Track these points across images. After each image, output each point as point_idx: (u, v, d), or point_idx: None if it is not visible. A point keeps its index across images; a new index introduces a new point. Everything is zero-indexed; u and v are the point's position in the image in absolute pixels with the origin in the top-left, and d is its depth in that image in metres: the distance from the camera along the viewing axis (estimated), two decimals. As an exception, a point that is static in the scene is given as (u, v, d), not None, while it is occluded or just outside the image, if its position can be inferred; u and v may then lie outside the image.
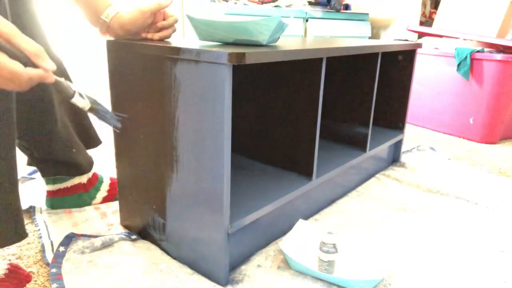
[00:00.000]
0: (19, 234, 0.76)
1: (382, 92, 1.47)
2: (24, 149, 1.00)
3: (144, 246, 0.90)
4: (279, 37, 0.86)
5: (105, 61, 0.90)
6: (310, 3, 2.38)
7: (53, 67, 0.62)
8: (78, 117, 1.04)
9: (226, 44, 0.81)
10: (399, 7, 2.59)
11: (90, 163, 1.08)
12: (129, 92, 0.86)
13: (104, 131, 1.56)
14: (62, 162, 1.01)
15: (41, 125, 0.93)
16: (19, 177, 1.23)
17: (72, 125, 1.02)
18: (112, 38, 0.88)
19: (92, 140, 1.09)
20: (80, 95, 0.70)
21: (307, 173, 0.99)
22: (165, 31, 0.88)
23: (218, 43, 0.82)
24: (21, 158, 1.03)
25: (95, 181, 1.10)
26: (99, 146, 1.12)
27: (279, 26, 0.80)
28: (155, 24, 0.88)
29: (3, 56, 0.57)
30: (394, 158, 1.53)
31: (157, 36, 0.88)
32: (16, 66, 0.58)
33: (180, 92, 0.75)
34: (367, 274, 0.83)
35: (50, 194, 1.06)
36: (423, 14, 2.75)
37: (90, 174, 1.09)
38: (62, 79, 0.67)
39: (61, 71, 0.98)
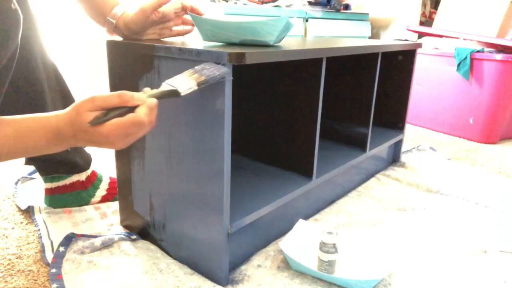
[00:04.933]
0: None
1: (382, 92, 1.47)
2: None
3: (144, 246, 0.90)
4: (283, 37, 0.86)
5: (105, 61, 0.90)
6: (310, 3, 2.38)
7: (143, 97, 0.61)
8: None
9: (231, 44, 0.81)
10: (399, 7, 2.59)
11: (88, 161, 1.07)
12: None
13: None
14: (58, 161, 1.01)
15: None
16: (18, 177, 1.24)
17: None
18: (120, 38, 0.88)
19: None
20: (181, 84, 0.64)
21: (307, 173, 0.99)
22: (167, 30, 0.89)
23: (221, 44, 0.81)
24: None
25: (94, 179, 1.10)
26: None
27: (286, 26, 0.80)
28: (168, 23, 0.88)
29: (123, 119, 0.58)
30: (394, 158, 1.53)
31: (163, 35, 0.89)
32: (136, 118, 0.58)
33: (180, 92, 0.75)
34: (367, 274, 0.82)
35: (49, 192, 1.06)
36: (423, 14, 2.75)
37: (88, 172, 1.09)
38: (161, 90, 0.64)
39: (55, 76, 0.97)
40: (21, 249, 0.90)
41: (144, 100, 0.60)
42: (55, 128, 0.60)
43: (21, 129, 0.60)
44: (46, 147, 0.62)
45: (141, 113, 0.59)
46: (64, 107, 1.01)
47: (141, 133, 0.61)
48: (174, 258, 0.87)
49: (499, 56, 1.75)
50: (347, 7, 2.58)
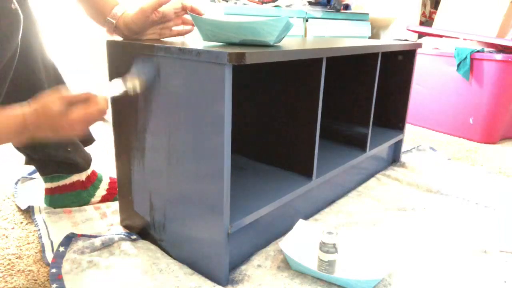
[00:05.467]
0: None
1: (382, 92, 1.47)
2: (20, 150, 1.00)
3: (144, 246, 0.90)
4: (283, 37, 0.86)
5: (105, 61, 0.90)
6: (310, 3, 2.38)
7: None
8: None
9: (231, 44, 0.81)
10: (399, 7, 2.59)
11: (88, 161, 1.07)
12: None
13: (102, 130, 1.55)
14: (58, 161, 1.01)
15: None
16: (18, 177, 1.24)
17: None
18: (120, 38, 0.88)
19: (86, 138, 1.09)
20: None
21: (307, 173, 0.99)
22: (167, 30, 0.89)
23: (221, 44, 0.81)
24: (20, 157, 1.04)
25: (94, 179, 1.10)
26: (100, 146, 1.12)
27: (286, 26, 0.80)
28: (168, 23, 0.88)
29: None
30: (394, 158, 1.53)
31: (163, 35, 0.89)
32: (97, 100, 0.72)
33: (180, 92, 0.75)
34: (367, 274, 0.83)
35: (49, 191, 1.06)
36: (423, 14, 2.75)
37: (88, 172, 1.09)
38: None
39: (55, 76, 0.98)
40: (21, 249, 0.90)
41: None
42: (20, 117, 0.67)
43: None
44: (12, 135, 0.68)
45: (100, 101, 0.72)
46: None
47: (99, 115, 0.73)
48: (174, 258, 0.87)
49: (499, 56, 1.75)
50: (347, 7, 2.58)
